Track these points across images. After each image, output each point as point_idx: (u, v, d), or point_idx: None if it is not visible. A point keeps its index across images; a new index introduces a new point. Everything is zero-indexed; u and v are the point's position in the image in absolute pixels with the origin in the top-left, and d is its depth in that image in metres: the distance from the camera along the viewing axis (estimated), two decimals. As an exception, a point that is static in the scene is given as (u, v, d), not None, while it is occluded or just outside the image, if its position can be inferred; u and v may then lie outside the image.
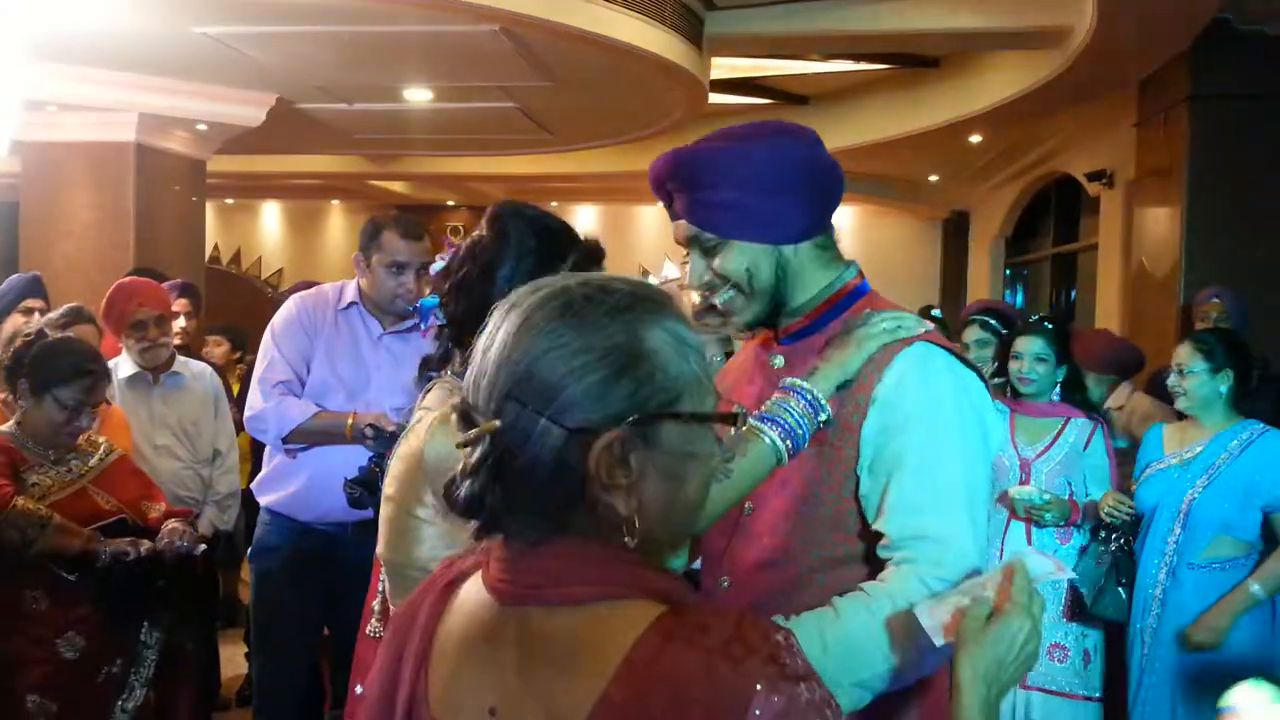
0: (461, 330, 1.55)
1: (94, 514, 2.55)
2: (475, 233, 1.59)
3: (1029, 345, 3.20)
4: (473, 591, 0.91)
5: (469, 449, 0.85)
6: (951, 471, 1.35)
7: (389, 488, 1.48)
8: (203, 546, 2.70)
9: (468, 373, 0.88)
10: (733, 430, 1.35)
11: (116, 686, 2.51)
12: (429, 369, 1.61)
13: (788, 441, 1.34)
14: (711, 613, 0.81)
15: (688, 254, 1.49)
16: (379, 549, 1.52)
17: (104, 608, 2.49)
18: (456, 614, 0.91)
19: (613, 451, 0.82)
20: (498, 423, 0.83)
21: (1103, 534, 3.06)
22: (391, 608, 1.51)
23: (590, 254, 1.59)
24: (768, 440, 1.33)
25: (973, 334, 3.90)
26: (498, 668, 0.85)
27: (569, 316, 0.84)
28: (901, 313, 1.44)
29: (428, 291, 1.63)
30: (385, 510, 1.49)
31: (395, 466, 1.48)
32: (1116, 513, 3.00)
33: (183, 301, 4.36)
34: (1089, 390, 3.48)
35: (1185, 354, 3.04)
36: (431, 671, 0.91)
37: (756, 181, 1.41)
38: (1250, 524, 2.92)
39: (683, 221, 1.46)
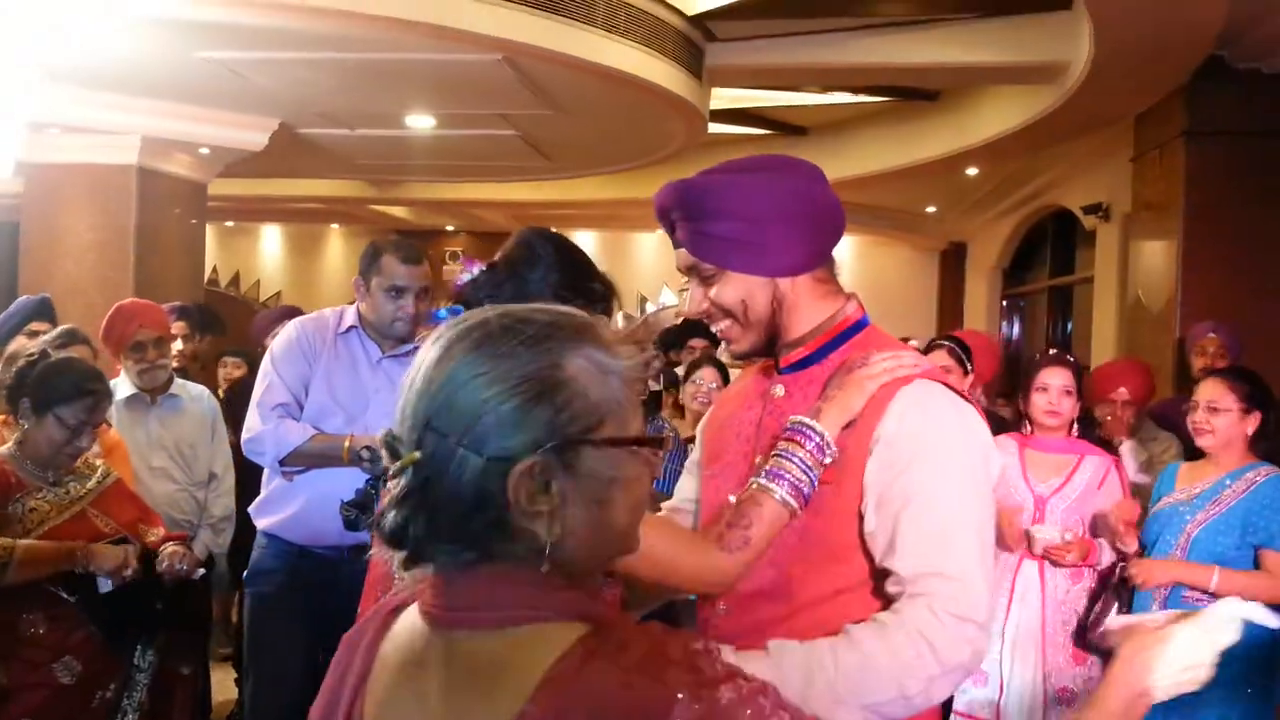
0: None
1: (94, 537, 2.53)
2: (505, 249, 1.64)
3: (1055, 377, 3.12)
4: (410, 617, 0.93)
5: (393, 480, 0.87)
6: (960, 509, 1.36)
7: None
8: (201, 570, 2.69)
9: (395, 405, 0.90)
10: (751, 486, 1.38)
11: (110, 710, 2.49)
12: None
13: (796, 499, 1.37)
14: (633, 631, 0.83)
15: (688, 282, 1.52)
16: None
17: (103, 631, 2.48)
18: (393, 639, 0.93)
19: (532, 478, 0.83)
20: (418, 454, 0.85)
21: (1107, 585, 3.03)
22: None
23: (609, 290, 1.63)
24: (778, 498, 1.36)
25: (940, 359, 3.85)
26: (423, 692, 0.86)
27: (486, 346, 0.86)
28: (902, 351, 1.46)
29: (444, 303, 1.67)
30: None
31: None
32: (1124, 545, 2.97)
33: (180, 324, 4.37)
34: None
35: (1217, 392, 2.96)
36: (368, 695, 0.92)
37: (754, 214, 1.44)
38: (1246, 562, 2.90)
39: (683, 250, 1.49)
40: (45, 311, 3.88)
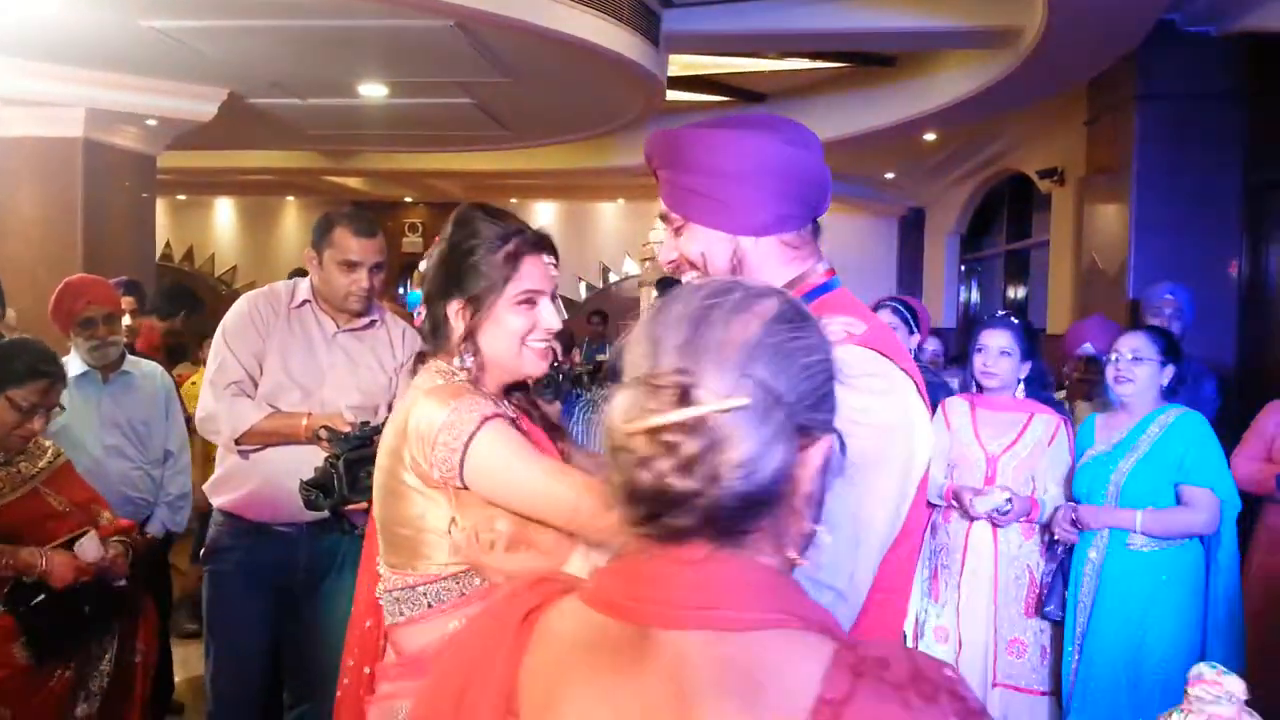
0: (429, 320, 1.65)
1: (46, 514, 2.50)
2: (441, 233, 1.69)
3: (993, 339, 3.20)
4: (574, 618, 0.81)
5: (675, 429, 0.74)
6: (842, 485, 1.33)
7: (380, 455, 1.59)
8: (121, 583, 2.62)
9: (648, 338, 0.79)
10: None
11: (71, 690, 2.47)
12: (422, 361, 1.69)
13: None
14: (881, 647, 0.77)
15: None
16: (374, 509, 1.62)
17: (31, 645, 2.40)
18: (554, 645, 0.81)
19: (825, 459, 0.79)
20: (745, 400, 0.74)
21: (1053, 538, 3.11)
22: (384, 567, 1.59)
23: (530, 241, 1.65)
24: None
25: (885, 319, 3.87)
26: (642, 697, 0.75)
27: (797, 320, 0.82)
28: (837, 318, 1.40)
29: (413, 286, 1.76)
30: (377, 475, 1.59)
31: (386, 435, 1.58)
32: (1066, 535, 3.06)
33: (128, 299, 4.29)
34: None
35: (1140, 343, 3.12)
36: (534, 679, 0.81)
37: (720, 169, 1.44)
38: (1174, 500, 3.03)
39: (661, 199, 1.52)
40: None
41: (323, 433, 2.51)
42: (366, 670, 1.75)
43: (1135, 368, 3.09)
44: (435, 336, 1.65)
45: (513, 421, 1.57)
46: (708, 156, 1.44)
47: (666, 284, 3.10)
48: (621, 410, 0.78)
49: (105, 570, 2.51)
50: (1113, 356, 3.16)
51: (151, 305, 4.66)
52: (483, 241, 1.61)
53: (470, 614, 1.45)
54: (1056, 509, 3.09)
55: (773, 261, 1.49)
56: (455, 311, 1.60)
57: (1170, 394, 3.14)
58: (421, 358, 1.69)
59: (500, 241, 1.61)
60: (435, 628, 1.51)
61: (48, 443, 2.69)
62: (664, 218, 1.52)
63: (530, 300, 1.61)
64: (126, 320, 4.22)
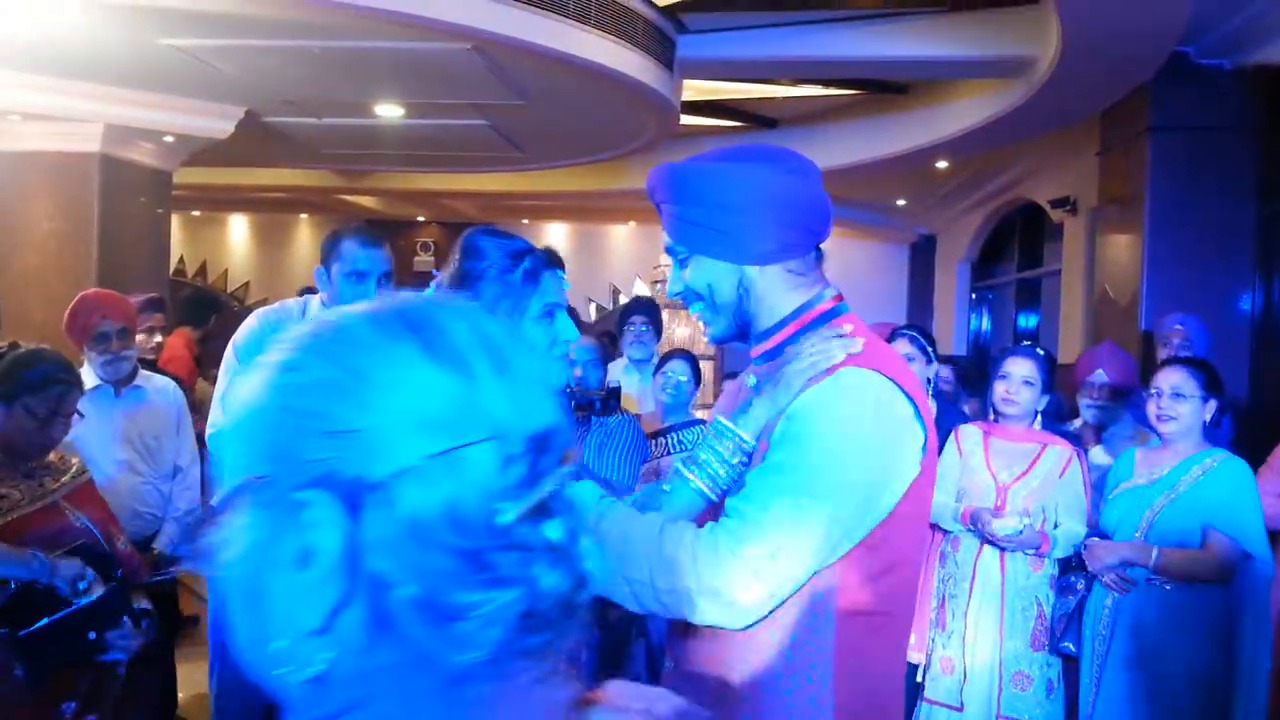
0: None
1: (63, 529, 2.49)
2: (454, 254, 1.69)
3: (1017, 367, 3.17)
4: None
5: None
6: (798, 480, 1.33)
7: None
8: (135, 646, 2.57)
9: None
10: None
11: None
12: None
13: (712, 487, 1.46)
14: None
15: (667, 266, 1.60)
16: None
17: (27, 671, 2.27)
18: None
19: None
20: None
21: (1074, 574, 3.08)
22: None
23: (545, 258, 1.68)
24: (692, 486, 1.47)
25: (902, 348, 3.85)
26: None
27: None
28: (834, 340, 1.44)
29: None
30: None
31: None
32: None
33: (157, 316, 4.27)
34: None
35: (1180, 378, 3.05)
36: None
37: (721, 202, 1.47)
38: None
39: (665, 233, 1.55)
40: None
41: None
42: None
43: (1177, 405, 3.02)
44: None
45: None
46: (710, 189, 1.48)
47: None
48: None
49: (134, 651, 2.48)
50: (1153, 391, 3.10)
51: (182, 315, 4.65)
52: (501, 261, 1.63)
53: None
54: (1081, 542, 3.05)
55: (779, 289, 1.52)
56: None
57: (1214, 428, 3.08)
58: None
59: (516, 260, 1.63)
60: None
61: (75, 459, 2.70)
62: (669, 251, 1.55)
63: (549, 314, 1.65)
64: (157, 338, 4.21)
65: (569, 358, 1.71)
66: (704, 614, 1.31)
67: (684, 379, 3.75)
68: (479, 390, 0.61)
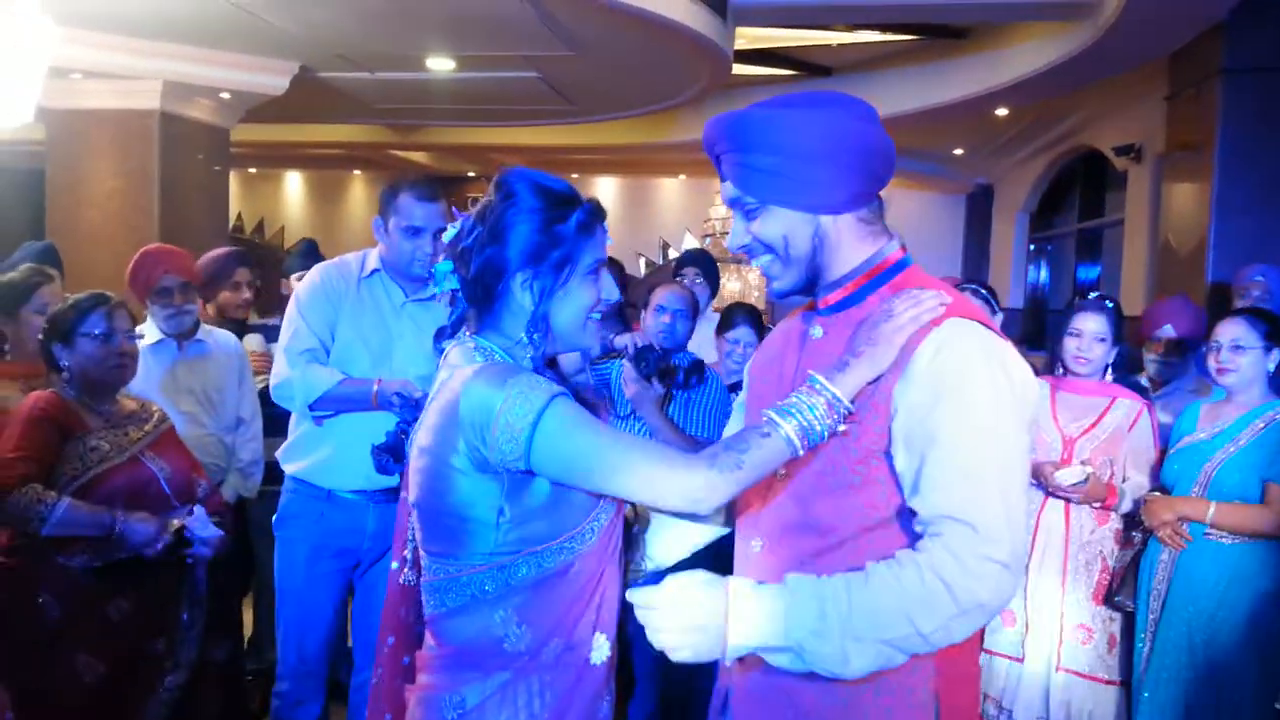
0: (475, 293, 1.54)
1: (147, 480, 2.57)
2: (484, 198, 1.56)
3: (1089, 323, 3.11)
4: None
5: None
6: (985, 448, 1.34)
7: (423, 438, 1.48)
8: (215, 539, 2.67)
9: None
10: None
11: (163, 660, 2.54)
12: (441, 338, 1.60)
13: (802, 439, 1.36)
14: None
15: (730, 216, 1.54)
16: (411, 496, 1.54)
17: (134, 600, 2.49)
18: None
19: None
20: None
21: (1136, 530, 3.04)
22: (423, 554, 1.54)
23: (594, 210, 1.55)
24: (783, 435, 1.36)
25: None
26: None
27: None
28: (925, 291, 1.43)
29: (441, 257, 1.61)
30: (419, 460, 1.49)
31: (430, 418, 1.48)
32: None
33: (244, 271, 4.22)
34: None
35: (1240, 330, 2.99)
36: None
37: (798, 149, 1.43)
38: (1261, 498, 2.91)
39: (729, 183, 1.49)
40: (49, 257, 3.88)
41: (394, 399, 2.55)
42: (405, 661, 1.76)
43: (1237, 356, 2.96)
44: (485, 311, 1.54)
45: (576, 395, 1.52)
46: (786, 137, 1.43)
47: (645, 354, 3.04)
48: None
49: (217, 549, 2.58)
50: (1213, 344, 3.03)
51: (289, 265, 4.60)
52: (552, 210, 1.51)
53: (517, 605, 1.43)
54: (1141, 497, 3.01)
55: (852, 239, 1.50)
56: (522, 284, 1.50)
57: None
58: (441, 333, 1.60)
59: (567, 209, 1.52)
60: (478, 620, 1.45)
61: (155, 408, 2.78)
62: (735, 203, 1.50)
63: (594, 271, 1.54)
64: (246, 294, 4.19)
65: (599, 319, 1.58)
66: (971, 629, 1.32)
67: (751, 346, 3.65)
68: None
